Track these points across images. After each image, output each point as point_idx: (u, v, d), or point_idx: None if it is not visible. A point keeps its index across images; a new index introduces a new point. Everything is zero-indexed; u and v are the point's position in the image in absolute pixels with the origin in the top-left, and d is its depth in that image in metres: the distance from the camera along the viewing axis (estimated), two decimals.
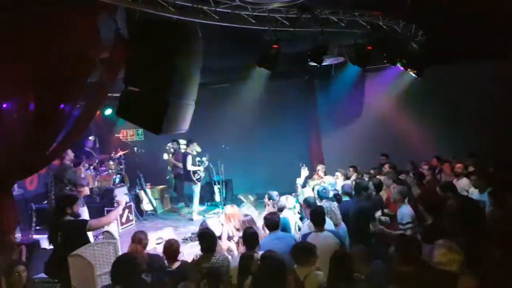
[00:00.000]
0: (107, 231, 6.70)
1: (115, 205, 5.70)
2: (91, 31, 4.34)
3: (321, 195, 5.59)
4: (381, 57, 7.12)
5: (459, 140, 9.00)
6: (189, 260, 4.40)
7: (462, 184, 6.27)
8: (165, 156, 10.23)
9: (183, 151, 9.68)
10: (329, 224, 4.64)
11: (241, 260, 3.72)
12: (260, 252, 3.75)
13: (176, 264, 4.08)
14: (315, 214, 4.46)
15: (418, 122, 9.70)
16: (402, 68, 7.56)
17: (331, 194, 6.05)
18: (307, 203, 5.11)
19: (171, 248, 4.13)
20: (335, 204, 5.30)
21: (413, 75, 7.86)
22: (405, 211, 4.94)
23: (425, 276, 2.91)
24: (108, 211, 7.29)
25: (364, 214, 5.12)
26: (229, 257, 4.27)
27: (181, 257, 4.21)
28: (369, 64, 7.20)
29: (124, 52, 4.48)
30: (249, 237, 4.08)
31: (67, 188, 6.90)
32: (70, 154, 7.35)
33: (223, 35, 5.88)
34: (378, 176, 6.89)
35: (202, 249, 4.12)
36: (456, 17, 6.56)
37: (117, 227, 7.74)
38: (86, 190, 7.43)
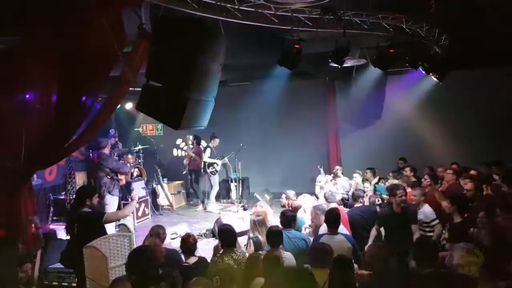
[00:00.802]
0: (123, 224, 6.79)
1: (129, 199, 5.82)
2: (116, 25, 4.37)
3: (329, 199, 5.63)
4: (403, 61, 7.04)
5: (480, 147, 8.84)
6: (204, 256, 4.42)
7: None
8: (175, 152, 10.38)
9: (204, 145, 9.87)
10: (341, 228, 4.62)
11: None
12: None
13: (194, 259, 4.11)
14: (330, 216, 4.44)
15: (438, 127, 9.56)
16: (424, 72, 7.45)
17: (339, 197, 6.06)
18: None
19: (189, 243, 4.16)
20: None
21: (435, 79, 7.72)
22: (428, 210, 5.11)
23: (444, 279, 2.88)
24: (124, 204, 7.39)
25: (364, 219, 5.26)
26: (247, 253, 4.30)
27: (196, 253, 4.23)
28: (391, 67, 7.12)
29: (147, 47, 4.53)
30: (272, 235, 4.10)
31: (108, 177, 7.16)
32: (108, 146, 7.53)
33: (245, 33, 5.88)
34: (392, 180, 6.88)
35: (222, 245, 4.14)
36: (480, 22, 6.43)
37: (132, 221, 7.84)
38: (124, 179, 7.64)
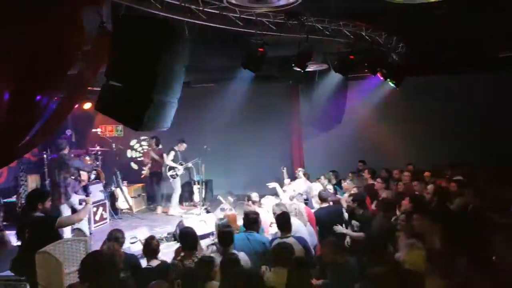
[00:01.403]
0: (78, 229, 6.55)
1: (82, 203, 5.67)
2: (74, 22, 4.22)
3: (322, 196, 5.87)
4: (363, 67, 7.29)
5: (434, 149, 9.34)
6: (165, 259, 4.35)
7: None
8: (129, 154, 10.14)
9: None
10: (299, 224, 4.80)
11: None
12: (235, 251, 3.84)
13: (156, 262, 4.05)
14: (281, 220, 4.52)
15: (395, 131, 10.00)
16: (382, 78, 7.75)
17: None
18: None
19: (151, 245, 4.10)
20: (302, 205, 5.58)
21: (392, 85, 8.06)
22: None
23: (395, 276, 2.99)
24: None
25: (331, 218, 5.40)
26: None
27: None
28: (351, 72, 7.35)
29: (107, 46, 4.39)
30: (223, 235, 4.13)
31: (73, 177, 7.06)
32: (67, 148, 7.40)
33: (210, 35, 5.86)
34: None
35: (184, 248, 4.09)
36: (435, 32, 6.79)
37: (88, 225, 7.56)
38: (86, 179, 7.50)
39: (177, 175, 9.46)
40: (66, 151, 7.23)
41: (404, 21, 6.20)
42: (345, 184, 7.51)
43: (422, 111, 9.76)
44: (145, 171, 10.06)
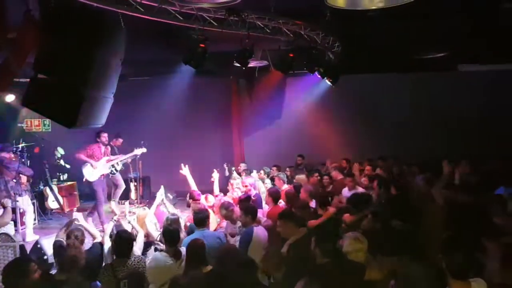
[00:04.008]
0: (4, 233, 6.02)
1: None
2: None
3: None
4: (302, 65, 7.50)
5: (368, 144, 9.94)
6: None
7: None
8: (60, 153, 9.50)
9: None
10: None
11: None
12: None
13: None
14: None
15: (332, 127, 10.44)
16: (319, 76, 8.04)
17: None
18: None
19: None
20: None
21: (329, 83, 8.39)
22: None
23: (338, 267, 3.15)
24: None
25: None
26: (145, 258, 4.15)
27: None
28: (290, 70, 7.54)
29: (35, 36, 4.07)
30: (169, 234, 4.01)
31: (14, 180, 6.97)
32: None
33: (148, 28, 5.66)
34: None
35: (116, 254, 3.92)
36: (369, 32, 7.19)
37: (13, 228, 7.01)
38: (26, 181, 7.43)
39: (116, 170, 8.95)
40: (5, 154, 7.18)
41: (340, 22, 6.48)
42: (276, 179, 7.23)
43: (354, 107, 10.33)
44: None
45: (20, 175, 7.23)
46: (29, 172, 7.60)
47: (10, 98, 9.45)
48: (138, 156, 8.80)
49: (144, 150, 8.51)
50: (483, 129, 9.55)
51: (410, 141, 9.88)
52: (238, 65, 6.55)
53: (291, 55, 6.86)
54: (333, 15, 6.07)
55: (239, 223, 4.80)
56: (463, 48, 8.25)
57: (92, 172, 7.73)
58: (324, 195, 5.91)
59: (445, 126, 9.89)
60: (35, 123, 10.75)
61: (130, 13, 4.85)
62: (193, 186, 6.21)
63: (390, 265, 3.08)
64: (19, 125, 10.31)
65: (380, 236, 3.70)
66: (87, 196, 9.86)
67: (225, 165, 8.83)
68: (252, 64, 8.09)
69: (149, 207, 8.31)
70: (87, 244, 4.39)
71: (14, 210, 6.41)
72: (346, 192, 6.51)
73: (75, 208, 8.86)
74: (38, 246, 5.54)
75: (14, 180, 6.99)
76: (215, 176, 6.81)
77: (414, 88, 10.12)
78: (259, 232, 4.43)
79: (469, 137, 9.41)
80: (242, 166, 8.58)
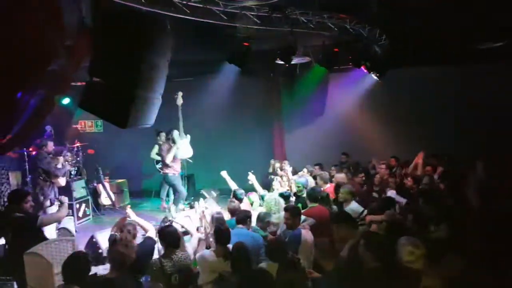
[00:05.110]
0: (64, 228, 6.41)
1: (57, 202, 5.58)
2: (53, 15, 4.09)
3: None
4: (347, 59, 7.33)
5: (417, 141, 9.44)
6: None
7: None
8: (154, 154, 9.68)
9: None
10: None
11: None
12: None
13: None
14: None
15: (378, 123, 10.06)
16: (365, 70, 7.81)
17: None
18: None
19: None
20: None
21: (375, 77, 8.13)
22: (354, 206, 5.21)
23: (391, 273, 3.01)
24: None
25: None
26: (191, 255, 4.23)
27: None
28: (335, 65, 7.38)
29: (89, 41, 4.27)
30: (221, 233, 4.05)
31: (41, 178, 6.96)
32: (50, 144, 7.33)
33: (193, 28, 5.77)
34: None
35: (164, 245, 4.01)
36: (417, 24, 6.87)
37: (73, 223, 7.45)
38: (61, 181, 7.27)
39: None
40: (47, 149, 7.17)
41: (387, 14, 6.27)
42: (338, 176, 7.07)
43: (404, 102, 9.75)
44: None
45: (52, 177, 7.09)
46: (55, 172, 7.14)
47: (65, 101, 10.03)
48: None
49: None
50: None
51: (466, 139, 9.18)
52: (281, 62, 6.53)
53: (336, 50, 6.72)
54: (380, 6, 5.89)
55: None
56: None
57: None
58: (366, 195, 5.73)
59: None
60: (88, 124, 11.34)
61: (177, 15, 4.97)
62: (234, 186, 6.27)
63: (448, 272, 2.91)
64: (74, 126, 10.94)
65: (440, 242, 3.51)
66: (137, 193, 10.33)
67: (272, 161, 8.78)
68: (293, 61, 8.00)
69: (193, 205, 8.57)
70: (139, 238, 4.55)
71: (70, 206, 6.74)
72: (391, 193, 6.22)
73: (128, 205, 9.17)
74: (94, 240, 5.84)
75: (41, 178, 6.96)
76: (252, 178, 6.75)
77: (469, 81, 9.14)
78: (306, 234, 4.39)
79: None
80: (285, 163, 8.51)
